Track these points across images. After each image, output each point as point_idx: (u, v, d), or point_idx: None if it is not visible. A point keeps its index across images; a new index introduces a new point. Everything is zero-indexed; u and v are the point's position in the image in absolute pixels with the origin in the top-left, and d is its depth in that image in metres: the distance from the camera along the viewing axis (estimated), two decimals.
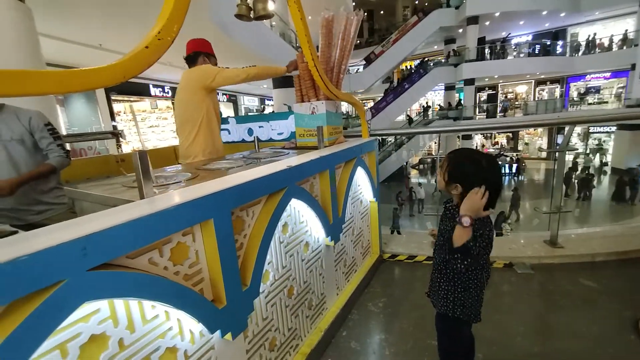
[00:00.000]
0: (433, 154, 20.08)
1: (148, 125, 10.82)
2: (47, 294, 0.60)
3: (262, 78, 2.00)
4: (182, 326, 0.94)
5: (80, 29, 5.88)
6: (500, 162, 16.07)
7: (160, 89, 11.18)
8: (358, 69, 15.90)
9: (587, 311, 1.85)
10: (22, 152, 1.58)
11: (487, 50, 14.71)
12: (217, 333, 1.01)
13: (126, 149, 8.62)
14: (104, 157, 2.58)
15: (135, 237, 0.76)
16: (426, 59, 15.72)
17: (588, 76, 16.94)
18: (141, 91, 10.54)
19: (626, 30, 13.91)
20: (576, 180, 12.04)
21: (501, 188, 1.07)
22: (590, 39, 14.81)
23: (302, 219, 1.53)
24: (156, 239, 0.83)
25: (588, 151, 16.68)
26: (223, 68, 1.94)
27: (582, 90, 17.42)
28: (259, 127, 2.83)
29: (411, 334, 1.75)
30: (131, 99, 10.35)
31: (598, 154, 16.34)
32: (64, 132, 6.54)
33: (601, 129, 17.09)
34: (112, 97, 9.37)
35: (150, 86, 10.79)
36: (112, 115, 9.35)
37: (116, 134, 2.96)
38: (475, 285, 1.11)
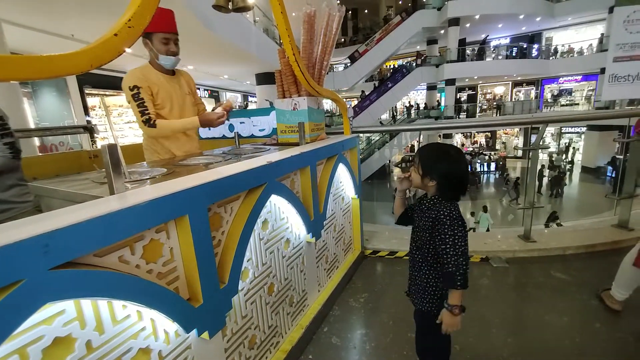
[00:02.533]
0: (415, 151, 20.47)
1: (125, 121, 10.43)
2: (2, 295, 0.56)
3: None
4: (155, 326, 0.91)
5: (51, 17, 5.57)
6: (479, 161, 16.66)
7: None
8: (346, 64, 15.92)
9: (558, 302, 1.93)
10: None
11: (468, 52, 15.09)
12: (194, 332, 0.99)
13: (101, 144, 8.27)
14: (76, 152, 2.46)
15: (102, 235, 0.73)
16: (425, 56, 15.96)
17: (561, 79, 17.71)
18: (118, 85, 10.12)
19: (584, 46, 14.62)
20: (549, 178, 12.58)
21: (468, 176, 1.13)
22: (563, 46, 15.60)
23: (283, 215, 1.52)
24: (126, 236, 0.79)
25: (561, 150, 17.47)
26: None
27: (556, 92, 18.21)
28: (240, 123, 2.77)
29: (391, 328, 1.77)
30: (107, 93, 9.92)
31: (569, 153, 17.15)
32: (32, 126, 6.19)
33: (572, 129, 17.93)
34: (86, 91, 8.96)
35: None
36: (86, 110, 8.95)
37: (89, 129, 2.83)
38: None
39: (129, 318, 0.84)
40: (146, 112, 1.56)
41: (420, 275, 1.16)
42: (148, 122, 1.56)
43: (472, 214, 9.48)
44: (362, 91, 16.70)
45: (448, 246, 1.01)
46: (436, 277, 1.12)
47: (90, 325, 0.76)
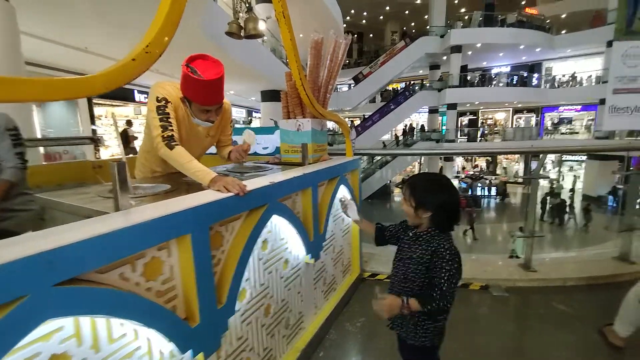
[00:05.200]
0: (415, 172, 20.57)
1: (130, 133, 10.56)
2: (5, 311, 0.57)
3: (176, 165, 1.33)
4: (151, 346, 0.90)
5: (67, 30, 5.77)
6: (480, 185, 16.69)
7: (146, 96, 11.00)
8: (350, 85, 16.30)
9: (559, 335, 1.90)
10: None
11: (476, 80, 15.50)
12: (189, 353, 0.97)
13: (104, 154, 8.35)
14: (79, 162, 2.49)
15: (107, 252, 0.74)
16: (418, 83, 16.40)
17: (561, 107, 18.04)
18: (125, 96, 10.33)
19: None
20: (550, 206, 12.53)
21: (460, 205, 1.13)
22: (563, 76, 16.06)
23: (283, 235, 1.52)
24: (130, 253, 0.80)
25: (561, 178, 17.52)
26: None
27: (556, 121, 18.50)
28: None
29: (388, 354, 1.73)
30: (114, 104, 10.12)
31: (570, 182, 17.19)
32: (38, 134, 6.27)
33: (573, 158, 18.08)
34: (94, 101, 9.13)
35: (135, 92, 10.62)
36: (93, 119, 9.09)
37: (95, 140, 2.87)
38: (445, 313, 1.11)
39: (125, 337, 0.84)
40: (170, 127, 1.33)
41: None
42: (169, 140, 1.28)
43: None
44: (351, 122, 16.97)
45: (443, 280, 1.01)
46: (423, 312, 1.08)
47: (87, 343, 0.75)
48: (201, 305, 0.99)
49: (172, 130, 1.33)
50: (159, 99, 1.38)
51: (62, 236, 0.68)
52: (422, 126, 17.54)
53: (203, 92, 1.37)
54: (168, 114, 1.37)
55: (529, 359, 1.73)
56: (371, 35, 22.49)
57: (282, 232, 1.51)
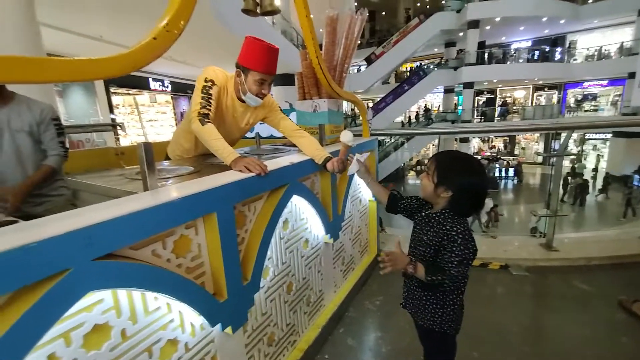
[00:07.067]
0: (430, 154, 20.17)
1: (146, 120, 10.76)
2: (52, 282, 0.60)
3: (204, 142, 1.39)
4: (183, 318, 0.94)
5: (82, 19, 5.83)
6: (497, 165, 16.26)
7: (160, 83, 11.11)
8: (360, 68, 15.91)
9: (580, 313, 1.88)
10: (29, 144, 1.54)
11: (495, 57, 14.78)
12: (218, 326, 1.02)
13: (124, 142, 8.57)
14: (103, 149, 2.57)
15: (139, 229, 0.76)
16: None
17: (585, 83, 17.09)
18: (141, 85, 10.47)
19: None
20: (571, 186, 12.12)
21: (487, 192, 1.03)
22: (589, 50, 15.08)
23: (303, 215, 1.54)
24: (160, 230, 0.83)
25: (583, 158, 16.85)
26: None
27: (580, 97, 17.58)
28: (260, 123, 2.81)
29: (407, 332, 1.76)
30: (130, 92, 10.28)
31: (592, 161, 16.51)
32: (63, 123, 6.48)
33: (596, 136, 17.27)
34: (112, 90, 9.31)
35: (150, 80, 10.72)
36: (111, 108, 9.28)
37: (116, 126, 2.94)
38: (461, 298, 1.07)
39: (159, 310, 0.88)
40: (208, 107, 1.42)
41: (418, 290, 1.10)
42: (204, 117, 1.36)
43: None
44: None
45: (454, 265, 0.94)
46: (436, 293, 1.05)
47: (125, 314, 0.80)
48: (228, 281, 1.03)
49: (210, 110, 1.42)
50: (207, 79, 1.47)
51: (97, 213, 0.71)
52: (428, 108, 17.08)
53: (266, 57, 1.44)
54: (211, 95, 1.46)
55: (550, 336, 1.72)
56: (384, 13, 21.67)
57: (302, 212, 1.53)
